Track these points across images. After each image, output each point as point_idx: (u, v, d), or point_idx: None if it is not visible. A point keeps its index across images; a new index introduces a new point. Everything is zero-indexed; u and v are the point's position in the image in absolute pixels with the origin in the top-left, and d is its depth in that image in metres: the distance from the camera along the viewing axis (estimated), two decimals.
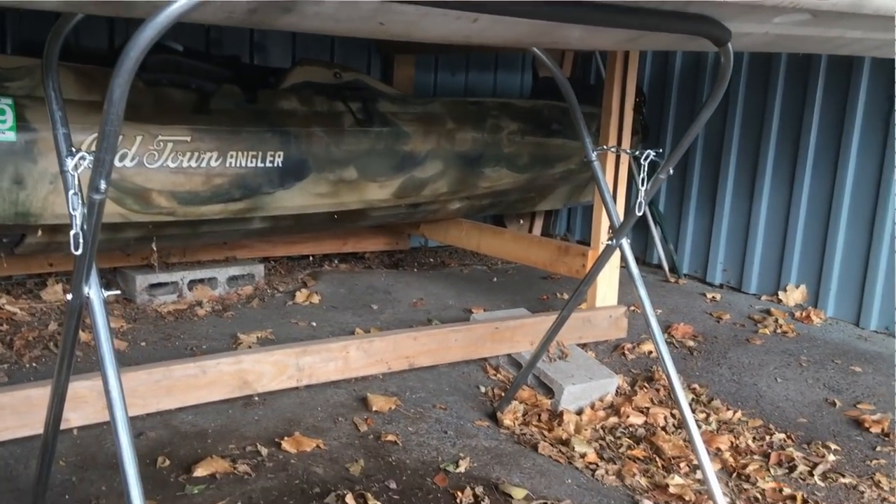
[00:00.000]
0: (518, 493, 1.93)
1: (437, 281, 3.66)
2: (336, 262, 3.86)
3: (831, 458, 2.33)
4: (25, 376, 2.36)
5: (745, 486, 2.16)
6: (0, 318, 2.82)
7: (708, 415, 2.59)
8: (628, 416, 2.54)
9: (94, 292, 1.31)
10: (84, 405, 1.99)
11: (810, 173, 3.54)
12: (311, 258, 3.80)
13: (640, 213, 1.90)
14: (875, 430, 2.48)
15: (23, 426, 1.91)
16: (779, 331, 3.26)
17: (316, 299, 3.29)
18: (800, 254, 3.62)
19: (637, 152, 1.91)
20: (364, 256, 3.98)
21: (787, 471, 2.25)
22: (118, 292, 1.55)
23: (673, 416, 2.57)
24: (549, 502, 1.91)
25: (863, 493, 2.14)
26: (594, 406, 2.62)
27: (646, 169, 1.87)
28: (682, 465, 2.26)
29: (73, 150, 1.29)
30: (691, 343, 3.11)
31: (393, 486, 1.91)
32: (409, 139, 2.70)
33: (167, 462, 1.95)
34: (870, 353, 3.09)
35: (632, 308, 3.16)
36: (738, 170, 3.81)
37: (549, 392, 2.62)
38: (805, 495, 2.11)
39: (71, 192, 1.26)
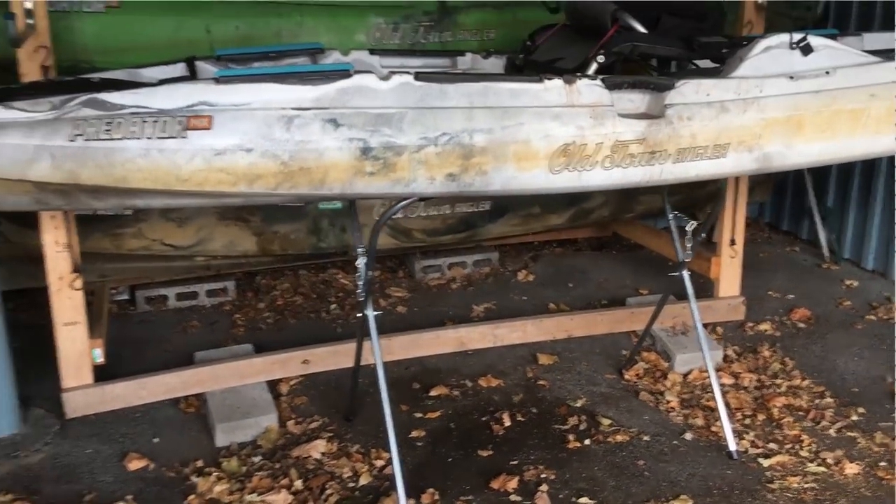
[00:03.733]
0: (605, 422, 3.25)
1: (625, 264, 4.87)
2: (555, 246, 5.23)
3: (854, 418, 3.29)
4: (352, 328, 4.09)
5: (774, 431, 3.24)
6: (336, 287, 4.64)
7: (783, 381, 3.62)
8: (721, 378, 3.67)
9: (370, 312, 2.85)
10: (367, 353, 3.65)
11: None
12: (535, 244, 5.21)
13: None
14: None
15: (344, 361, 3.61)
16: (885, 317, 4.06)
17: (531, 278, 4.71)
18: None
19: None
20: (576, 241, 5.30)
21: (813, 424, 3.27)
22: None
23: (758, 381, 3.64)
24: (623, 429, 3.21)
25: (858, 443, 3.12)
26: (701, 370, 3.77)
27: None
28: (737, 414, 3.38)
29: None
30: (802, 325, 4.06)
31: (534, 410, 3.34)
32: None
33: (417, 385, 3.55)
34: None
35: (768, 293, 4.16)
36: None
37: (668, 358, 3.82)
38: (813, 440, 3.15)
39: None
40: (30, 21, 2.69)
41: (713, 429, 3.22)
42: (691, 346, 3.81)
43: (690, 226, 3.02)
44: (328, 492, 2.85)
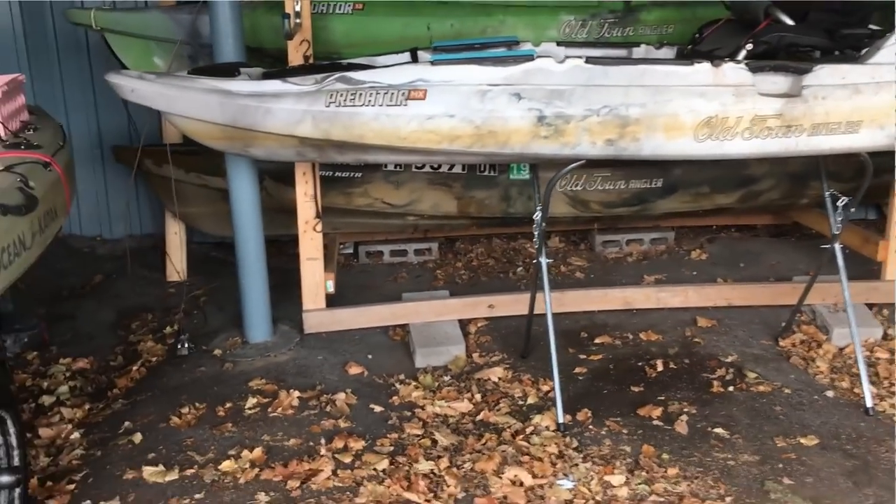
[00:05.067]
0: (751, 375, 3.61)
1: (800, 250, 5.06)
2: (732, 230, 5.51)
3: None
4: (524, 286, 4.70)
5: None
6: (524, 254, 5.23)
7: None
8: (876, 352, 3.87)
9: (544, 259, 3.44)
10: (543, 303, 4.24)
11: None
12: (714, 227, 5.52)
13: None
14: None
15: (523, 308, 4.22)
16: None
17: (704, 257, 5.06)
18: None
19: None
20: (755, 227, 5.54)
21: None
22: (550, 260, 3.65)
23: None
24: (767, 382, 3.55)
25: None
26: (861, 345, 3.98)
27: None
28: (884, 381, 3.60)
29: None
30: None
31: (686, 361, 3.76)
32: (750, 166, 4.34)
33: (585, 335, 4.08)
34: None
35: None
36: None
37: (827, 332, 4.06)
38: None
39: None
40: (297, 20, 3.55)
41: (856, 391, 3.49)
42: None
43: (841, 201, 3.32)
44: (501, 405, 3.49)
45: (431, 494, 2.86)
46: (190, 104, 3.02)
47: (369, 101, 2.84)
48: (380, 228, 4.76)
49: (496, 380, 3.71)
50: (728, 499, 2.81)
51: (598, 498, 2.83)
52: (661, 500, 2.82)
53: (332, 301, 4.17)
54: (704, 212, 5.14)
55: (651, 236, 5.25)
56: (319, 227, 3.95)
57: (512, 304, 4.15)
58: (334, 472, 2.97)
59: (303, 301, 4.08)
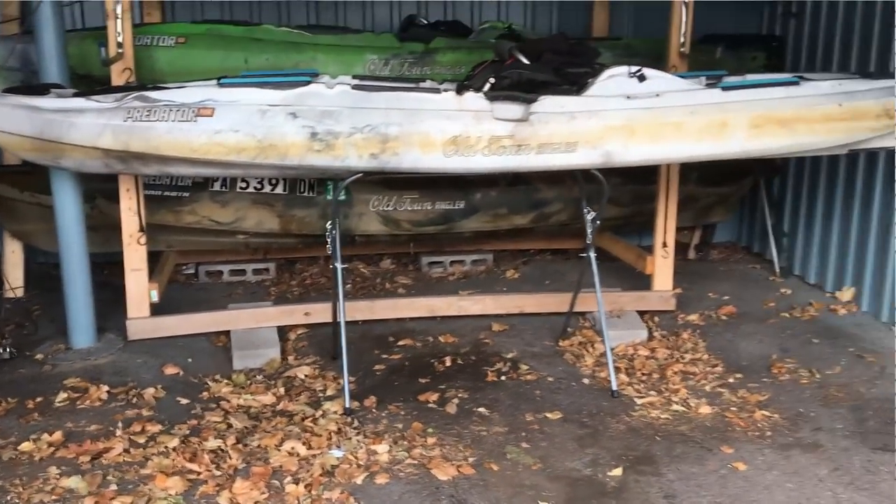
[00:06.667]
0: (524, 367, 4.13)
1: (600, 269, 5.70)
2: (547, 254, 6.11)
3: (730, 381, 4.02)
4: (356, 299, 5.13)
5: (660, 385, 4.01)
6: (356, 273, 5.69)
7: (689, 356, 4.36)
8: (639, 351, 4.46)
9: (339, 265, 3.88)
10: (357, 312, 4.65)
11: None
12: (530, 251, 6.11)
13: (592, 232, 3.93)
14: (775, 371, 4.07)
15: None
16: (796, 314, 4.75)
17: (517, 276, 5.61)
18: (854, 257, 4.91)
19: None
20: (567, 251, 6.16)
21: (695, 383, 4.02)
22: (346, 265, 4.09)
23: (669, 354, 4.40)
24: (536, 373, 4.07)
25: (722, 395, 3.86)
26: (627, 345, 4.56)
27: None
28: (638, 373, 4.16)
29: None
30: (724, 318, 4.79)
31: (473, 358, 4.25)
32: (541, 191, 4.93)
33: (392, 338, 4.53)
34: (847, 334, 4.48)
35: (709, 294, 4.94)
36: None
37: (602, 335, 4.63)
38: (688, 392, 3.90)
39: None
40: (120, 50, 3.93)
41: (610, 379, 4.04)
42: (622, 325, 4.63)
43: (590, 215, 3.91)
44: (301, 397, 3.87)
45: (214, 466, 3.21)
46: (2, 119, 3.34)
47: (163, 116, 3.24)
48: (213, 246, 5.11)
49: (303, 377, 4.09)
50: (471, 459, 3.27)
51: (361, 463, 3.24)
52: (415, 462, 3.25)
53: (160, 311, 4.48)
54: (518, 236, 5.72)
55: (472, 258, 5.78)
56: (143, 241, 4.27)
57: (326, 312, 4.53)
58: (126, 450, 3.28)
59: (127, 309, 4.37)
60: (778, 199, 5.68)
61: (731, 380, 4.04)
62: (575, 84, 3.43)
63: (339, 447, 3.35)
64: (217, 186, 4.67)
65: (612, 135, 3.35)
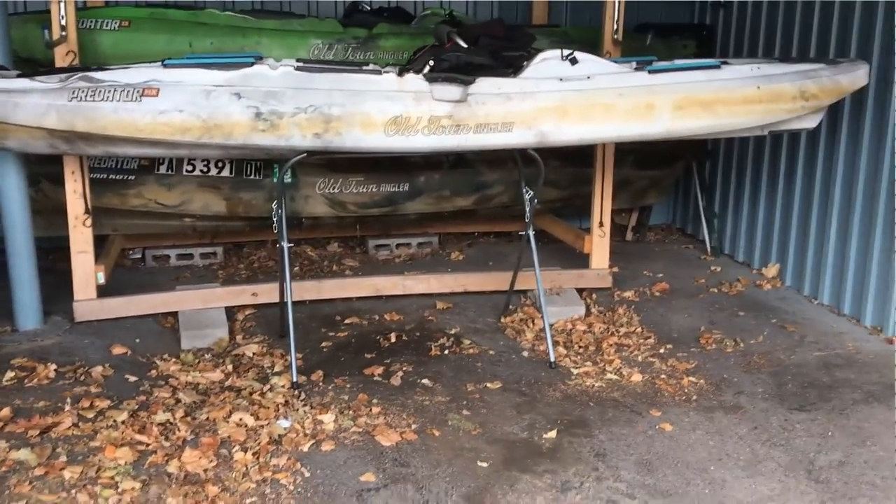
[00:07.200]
0: (466, 342, 4.28)
1: (541, 250, 5.86)
2: (491, 237, 6.28)
3: (661, 351, 4.23)
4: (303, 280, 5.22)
5: (596, 356, 4.20)
6: (303, 257, 5.77)
7: (623, 329, 4.57)
8: (577, 326, 4.65)
9: (285, 244, 3.97)
10: (304, 292, 4.75)
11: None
12: (475, 234, 6.27)
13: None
14: (703, 341, 4.31)
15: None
16: (724, 290, 5.01)
17: (461, 258, 5.77)
18: (778, 236, 5.20)
19: None
20: (510, 234, 6.34)
21: (629, 354, 4.23)
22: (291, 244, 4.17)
23: (605, 329, 4.60)
24: (477, 346, 4.23)
25: (653, 364, 4.07)
26: (566, 321, 4.75)
27: None
28: (575, 346, 4.35)
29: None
30: (658, 294, 5.03)
31: (417, 334, 4.39)
32: (483, 174, 5.09)
33: (339, 317, 4.64)
34: (771, 307, 4.75)
35: (644, 272, 5.15)
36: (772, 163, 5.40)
37: (541, 312, 4.81)
38: (621, 362, 4.10)
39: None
40: (63, 33, 3.96)
41: (547, 347, 4.22)
42: (561, 302, 4.82)
43: (528, 194, 4.08)
44: (249, 373, 3.96)
45: (163, 437, 3.29)
46: None
47: (108, 96, 3.30)
48: (160, 230, 5.14)
49: (251, 354, 4.18)
50: (414, 426, 3.41)
51: (307, 432, 3.35)
52: (360, 429, 3.38)
53: (107, 293, 4.51)
54: (467, 221, 5.87)
55: (418, 241, 5.91)
56: (89, 223, 4.30)
57: (273, 292, 4.62)
58: (75, 425, 3.34)
59: (74, 292, 4.40)
60: (709, 182, 5.94)
61: (661, 350, 4.26)
62: (511, 67, 3.58)
63: (286, 418, 3.46)
64: (163, 169, 4.72)
65: (546, 115, 3.51)
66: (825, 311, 4.74)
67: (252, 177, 4.84)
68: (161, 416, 3.44)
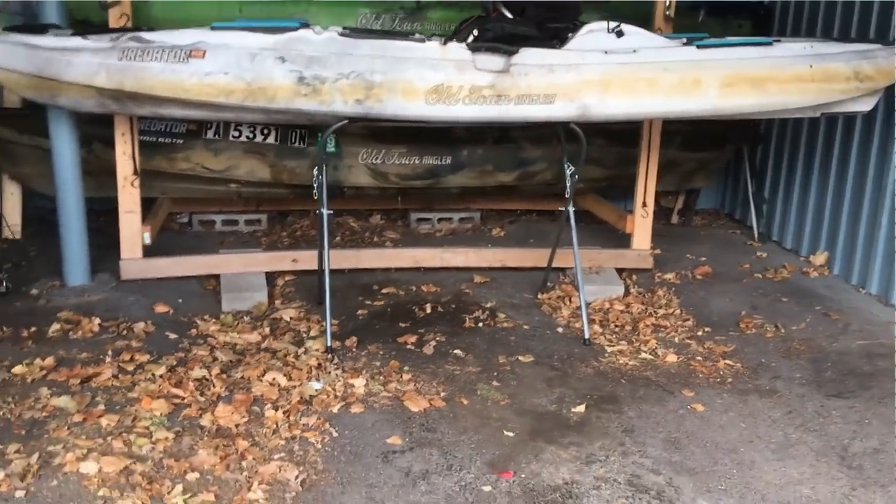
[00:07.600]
0: (501, 316, 4.28)
1: (582, 230, 5.74)
2: (534, 215, 6.25)
3: (699, 334, 4.17)
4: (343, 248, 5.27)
5: (632, 336, 4.16)
6: (345, 227, 5.83)
7: (662, 311, 4.52)
8: (614, 305, 4.61)
9: (325, 210, 4.01)
10: (344, 260, 4.79)
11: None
12: (517, 211, 6.24)
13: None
14: (742, 326, 4.23)
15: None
16: (769, 276, 4.91)
17: (502, 234, 5.76)
18: (828, 223, 5.06)
19: None
20: (553, 212, 6.29)
21: (665, 335, 4.18)
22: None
23: (643, 309, 4.55)
24: (512, 321, 4.22)
25: (689, 347, 4.02)
26: (604, 300, 4.72)
27: None
28: (611, 325, 4.32)
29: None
30: (700, 277, 4.95)
31: (453, 306, 4.40)
32: (526, 150, 5.07)
33: (376, 287, 4.68)
34: (816, 294, 4.64)
35: (687, 255, 5.08)
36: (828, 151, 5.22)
37: (579, 290, 4.78)
38: (657, 343, 4.06)
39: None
40: None
41: (586, 327, 4.20)
42: (600, 281, 4.78)
43: (570, 170, 4.04)
44: (286, 337, 4.03)
45: (198, 392, 3.37)
46: (2, 56, 3.46)
47: (156, 57, 3.36)
48: (206, 194, 5.24)
49: (288, 319, 4.24)
50: (443, 394, 3.44)
51: (338, 394, 3.40)
52: (390, 394, 3.42)
53: (153, 254, 4.62)
54: (504, 194, 5.85)
55: (460, 216, 5.92)
56: (137, 183, 4.40)
57: (313, 260, 4.68)
58: (115, 376, 3.44)
59: (121, 251, 4.52)
60: (760, 167, 5.81)
61: (699, 333, 4.20)
62: (556, 38, 3.55)
63: (318, 380, 3.51)
64: (210, 134, 4.80)
65: (589, 88, 3.47)
66: (873, 301, 4.61)
67: (297, 145, 4.89)
68: (197, 373, 3.52)
